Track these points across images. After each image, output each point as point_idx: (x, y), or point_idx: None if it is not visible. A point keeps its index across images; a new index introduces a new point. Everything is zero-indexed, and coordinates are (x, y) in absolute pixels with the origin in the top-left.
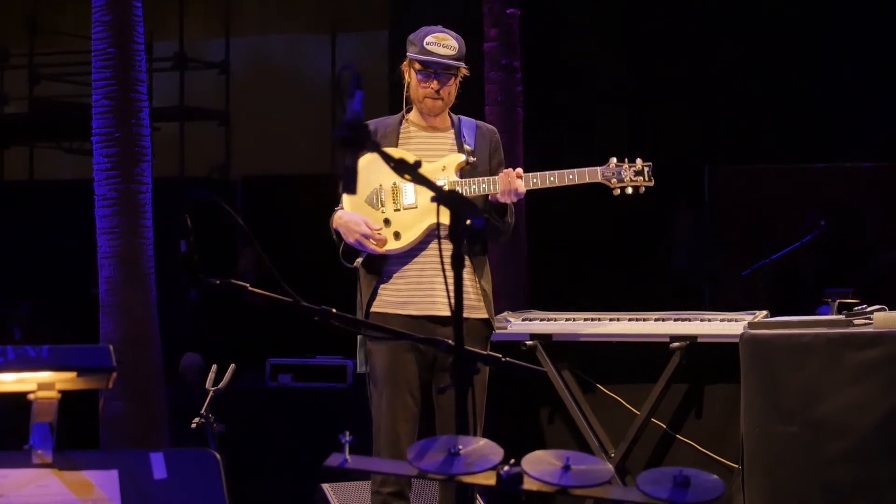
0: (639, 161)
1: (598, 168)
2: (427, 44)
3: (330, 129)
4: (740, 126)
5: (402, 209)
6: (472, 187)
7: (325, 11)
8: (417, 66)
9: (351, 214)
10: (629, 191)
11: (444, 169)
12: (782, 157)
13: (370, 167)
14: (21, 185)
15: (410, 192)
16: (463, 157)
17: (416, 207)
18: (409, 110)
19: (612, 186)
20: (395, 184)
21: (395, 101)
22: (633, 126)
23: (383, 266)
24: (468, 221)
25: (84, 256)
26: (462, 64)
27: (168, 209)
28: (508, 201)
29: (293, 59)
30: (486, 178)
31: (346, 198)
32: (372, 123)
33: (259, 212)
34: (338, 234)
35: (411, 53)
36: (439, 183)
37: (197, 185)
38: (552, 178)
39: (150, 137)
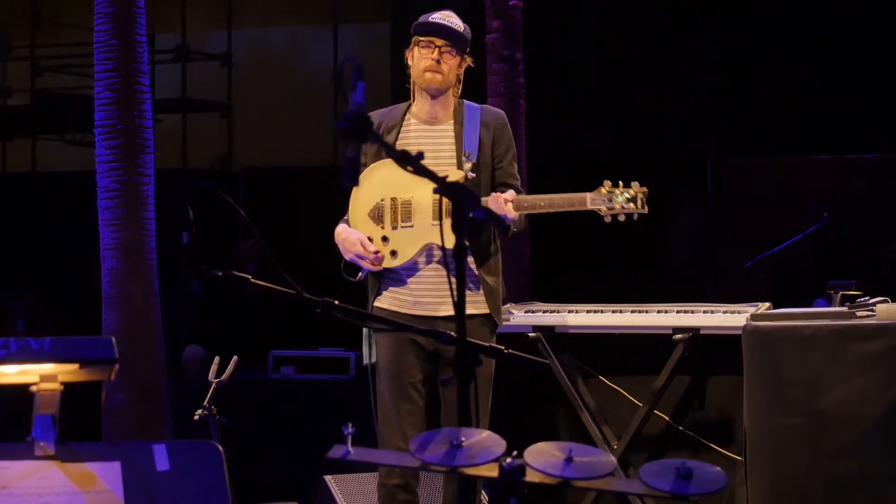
0: (634, 186)
1: (587, 195)
2: (433, 18)
3: (332, 121)
4: (743, 117)
5: (399, 227)
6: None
7: (326, 3)
8: (420, 39)
9: (349, 231)
10: (621, 218)
11: None
12: (785, 149)
13: (374, 178)
14: (23, 177)
15: (409, 211)
16: (462, 174)
17: (412, 227)
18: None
19: (603, 214)
20: (394, 200)
21: (398, 93)
22: (636, 117)
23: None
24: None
25: (86, 248)
26: (466, 34)
27: (170, 201)
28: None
29: (295, 50)
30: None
31: (350, 209)
32: (377, 115)
33: (261, 203)
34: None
35: (413, 32)
36: (433, 200)
37: (199, 177)
38: (542, 204)
39: (152, 129)
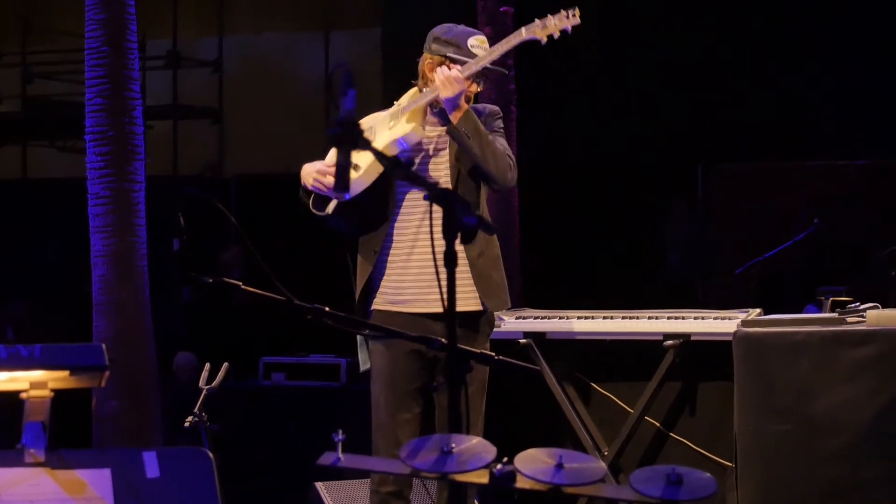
0: (561, 10)
1: (522, 28)
2: (472, 46)
3: (324, 127)
4: (734, 124)
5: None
6: (416, 100)
7: (318, 9)
8: (453, 66)
9: (309, 164)
10: (556, 34)
11: (398, 103)
12: (776, 155)
13: None
14: (14, 184)
15: (372, 137)
16: (415, 89)
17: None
18: None
19: (539, 37)
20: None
21: (389, 99)
22: (627, 123)
23: (381, 260)
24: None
25: (77, 255)
26: (504, 70)
27: (161, 207)
28: (451, 94)
29: (286, 57)
30: (425, 91)
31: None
32: (372, 119)
33: (253, 210)
34: (303, 190)
35: (454, 55)
36: (391, 112)
37: (190, 184)
38: (484, 56)
39: (143, 136)
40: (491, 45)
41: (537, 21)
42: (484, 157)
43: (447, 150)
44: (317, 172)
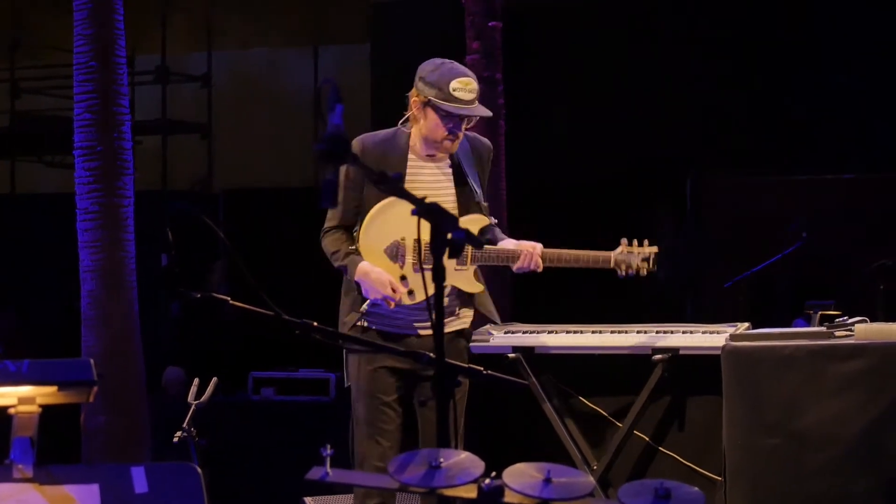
0: (645, 245)
1: (612, 253)
2: (454, 90)
3: (312, 143)
4: (723, 138)
5: (422, 268)
6: (491, 259)
7: (306, 25)
8: (442, 110)
9: (377, 272)
10: (632, 273)
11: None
12: (764, 169)
13: (392, 213)
14: (2, 199)
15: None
16: (487, 221)
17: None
18: (404, 121)
19: (621, 272)
20: (416, 241)
21: (377, 114)
22: (616, 137)
23: None
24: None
25: (66, 270)
26: (488, 112)
27: (150, 223)
28: (522, 272)
29: (275, 72)
30: (504, 250)
31: (362, 240)
32: (374, 143)
33: (241, 225)
34: (349, 273)
35: (435, 99)
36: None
37: (179, 199)
38: (567, 259)
39: (132, 151)
40: (477, 59)
41: (625, 250)
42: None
43: (451, 181)
44: (383, 295)
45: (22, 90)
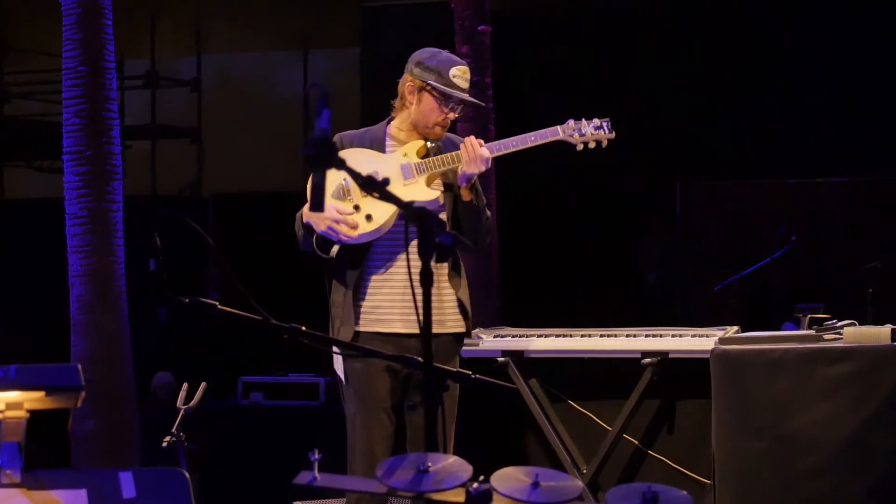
0: (595, 118)
1: (558, 126)
2: (454, 76)
3: (302, 147)
4: (711, 142)
5: (370, 196)
6: (437, 164)
7: (296, 29)
8: (437, 94)
9: (327, 207)
10: (591, 145)
11: (405, 155)
12: (753, 173)
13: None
14: None
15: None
16: (423, 142)
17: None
18: (389, 120)
19: (575, 142)
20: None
21: (367, 118)
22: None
23: (359, 283)
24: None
25: (55, 275)
26: (481, 102)
27: (140, 227)
28: (476, 171)
29: (264, 76)
30: (448, 154)
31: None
32: (353, 135)
33: (231, 229)
34: (307, 228)
35: (435, 83)
36: (402, 164)
37: (168, 203)
38: (515, 143)
39: (121, 155)
40: (469, 63)
41: (572, 123)
42: (479, 229)
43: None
44: (332, 220)
45: (11, 95)
